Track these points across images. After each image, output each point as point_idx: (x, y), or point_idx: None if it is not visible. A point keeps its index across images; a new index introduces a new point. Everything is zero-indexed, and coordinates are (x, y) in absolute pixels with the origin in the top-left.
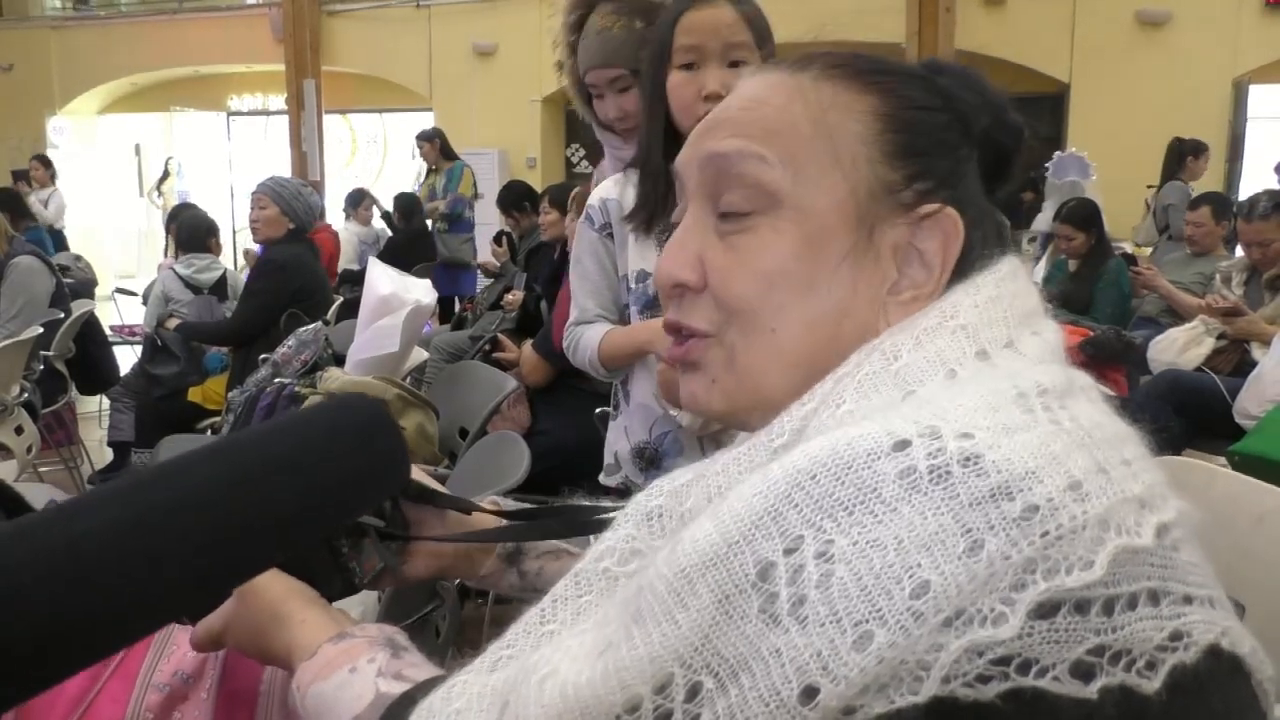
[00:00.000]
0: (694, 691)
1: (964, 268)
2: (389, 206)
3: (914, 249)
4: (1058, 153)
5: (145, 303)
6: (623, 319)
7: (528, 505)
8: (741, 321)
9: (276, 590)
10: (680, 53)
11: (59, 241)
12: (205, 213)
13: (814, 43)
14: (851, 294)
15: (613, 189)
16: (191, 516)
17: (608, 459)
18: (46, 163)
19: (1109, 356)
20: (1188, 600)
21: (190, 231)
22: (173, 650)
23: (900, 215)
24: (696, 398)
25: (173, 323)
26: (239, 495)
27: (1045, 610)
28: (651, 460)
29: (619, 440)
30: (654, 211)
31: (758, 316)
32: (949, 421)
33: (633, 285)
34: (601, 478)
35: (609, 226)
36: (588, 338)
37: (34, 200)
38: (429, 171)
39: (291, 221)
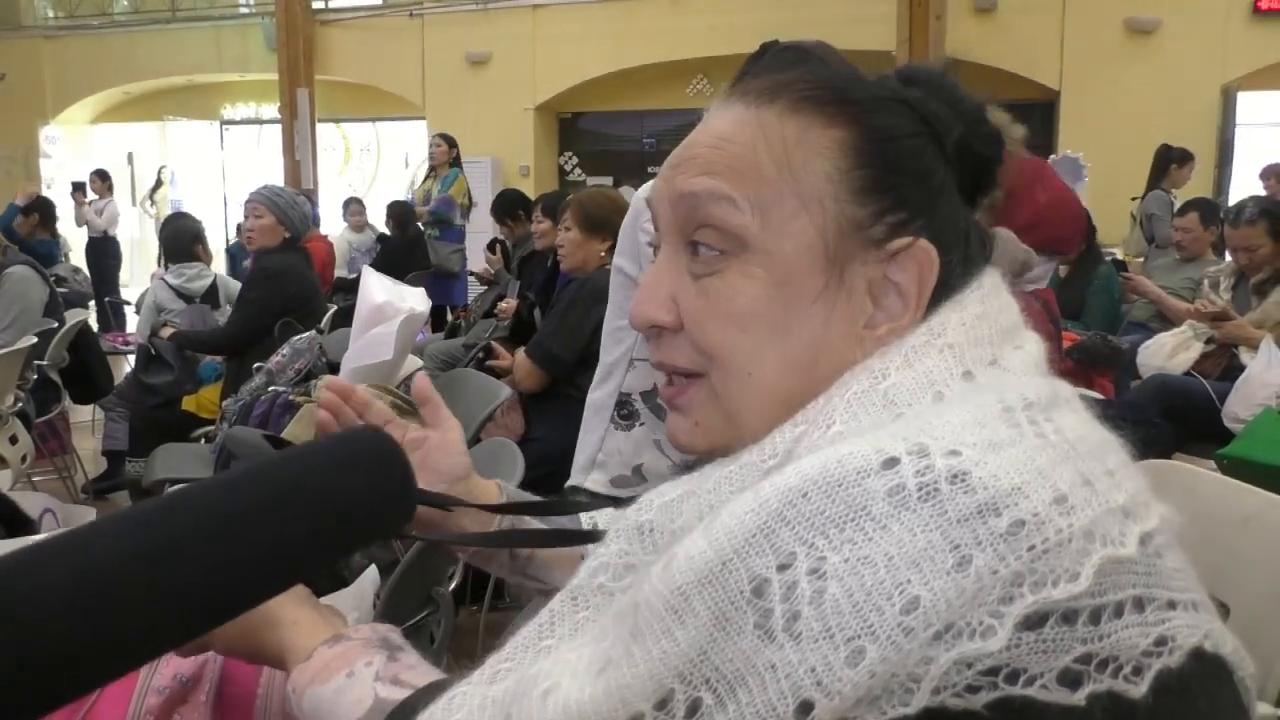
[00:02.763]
0: (694, 707)
1: (942, 293)
2: (383, 212)
3: (889, 282)
4: (1052, 156)
5: (139, 312)
6: None
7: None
8: (718, 365)
9: None
10: None
11: (112, 249)
12: (191, 220)
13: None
14: (825, 332)
15: None
16: (205, 547)
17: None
18: (104, 175)
19: (1096, 362)
20: (1171, 605)
21: (176, 241)
22: (172, 654)
23: (871, 251)
24: (679, 438)
25: (166, 332)
26: (252, 527)
27: (1033, 622)
28: None
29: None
30: None
31: (733, 361)
32: (936, 439)
33: None
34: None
35: None
36: None
37: (89, 210)
38: (427, 175)
39: (287, 230)
